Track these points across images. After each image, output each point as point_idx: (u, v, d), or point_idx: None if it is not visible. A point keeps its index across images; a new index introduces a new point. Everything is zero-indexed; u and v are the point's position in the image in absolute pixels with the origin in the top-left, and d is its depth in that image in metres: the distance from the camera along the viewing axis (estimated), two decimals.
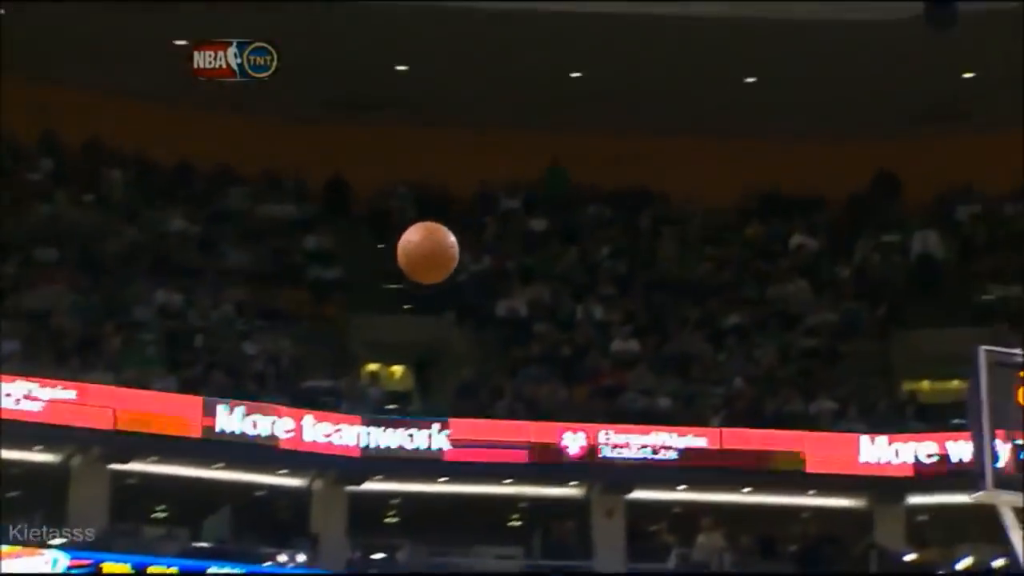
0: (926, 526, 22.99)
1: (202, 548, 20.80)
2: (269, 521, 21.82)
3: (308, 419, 21.31)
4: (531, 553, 22.48)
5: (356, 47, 24.32)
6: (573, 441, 21.85)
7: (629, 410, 22.96)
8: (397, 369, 25.29)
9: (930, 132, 26.68)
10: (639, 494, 22.54)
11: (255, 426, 20.96)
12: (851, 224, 27.58)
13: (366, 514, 22.05)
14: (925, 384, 25.32)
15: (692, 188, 27.06)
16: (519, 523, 23.15)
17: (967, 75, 25.55)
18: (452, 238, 6.65)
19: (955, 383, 23.10)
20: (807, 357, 24.70)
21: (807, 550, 22.60)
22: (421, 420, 21.99)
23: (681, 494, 22.82)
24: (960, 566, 21.41)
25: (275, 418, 21.14)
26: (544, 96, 26.00)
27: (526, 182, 27.40)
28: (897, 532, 22.74)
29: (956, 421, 21.32)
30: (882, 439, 22.12)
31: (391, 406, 23.16)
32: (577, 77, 25.78)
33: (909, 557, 22.22)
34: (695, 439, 22.08)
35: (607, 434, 21.95)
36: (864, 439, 22.15)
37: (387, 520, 22.93)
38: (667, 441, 21.95)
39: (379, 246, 26.68)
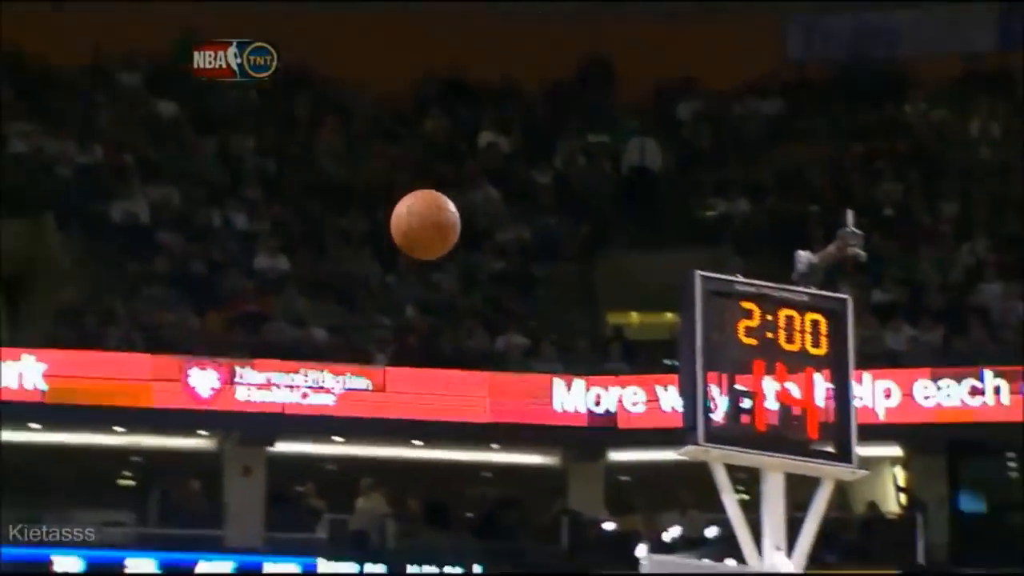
0: (629, 488, 23.38)
1: None
2: None
3: None
4: (146, 519, 22.38)
5: None
6: (203, 379, 21.66)
7: (274, 343, 22.88)
8: None
9: (648, 14, 27.02)
10: (284, 447, 22.52)
11: None
12: (552, 121, 27.87)
13: None
14: (634, 317, 25.87)
15: (359, 71, 27.04)
16: (132, 482, 23.09)
17: None
18: (451, 204, 7.95)
19: (669, 316, 23.48)
20: (495, 283, 24.96)
21: (486, 517, 22.94)
22: (9, 350, 21.50)
23: (336, 448, 22.90)
24: (667, 537, 21.77)
25: None
26: None
27: (151, 54, 26.84)
28: (595, 495, 23.19)
29: (668, 362, 21.62)
30: (580, 383, 22.43)
31: None
32: None
33: (608, 525, 22.60)
34: (355, 380, 22.11)
35: (246, 371, 21.73)
36: (559, 383, 22.43)
37: None
38: (321, 381, 21.92)
39: None
